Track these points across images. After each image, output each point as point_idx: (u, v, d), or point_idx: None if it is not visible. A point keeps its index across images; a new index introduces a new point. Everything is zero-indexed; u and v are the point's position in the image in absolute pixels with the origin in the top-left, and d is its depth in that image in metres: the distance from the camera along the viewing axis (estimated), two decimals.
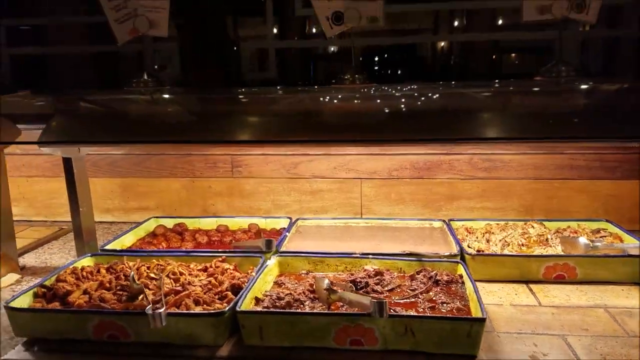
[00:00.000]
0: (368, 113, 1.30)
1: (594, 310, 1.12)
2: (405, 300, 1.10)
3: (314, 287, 1.12)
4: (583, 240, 1.34)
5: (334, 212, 1.93)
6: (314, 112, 1.31)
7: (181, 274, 1.19)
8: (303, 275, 1.28)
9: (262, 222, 1.71)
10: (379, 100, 1.33)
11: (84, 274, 1.20)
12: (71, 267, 1.24)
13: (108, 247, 1.42)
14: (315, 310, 1.01)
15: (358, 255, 1.30)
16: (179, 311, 1.00)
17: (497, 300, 1.18)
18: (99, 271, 1.23)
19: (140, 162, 2.04)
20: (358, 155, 1.89)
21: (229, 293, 1.10)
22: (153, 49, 1.88)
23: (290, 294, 1.10)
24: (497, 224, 1.58)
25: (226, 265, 1.26)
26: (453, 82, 1.55)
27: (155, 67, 1.78)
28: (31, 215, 2.10)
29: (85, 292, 1.11)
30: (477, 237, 1.49)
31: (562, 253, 1.31)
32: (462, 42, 2.18)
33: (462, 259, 1.29)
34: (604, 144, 1.74)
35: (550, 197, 1.79)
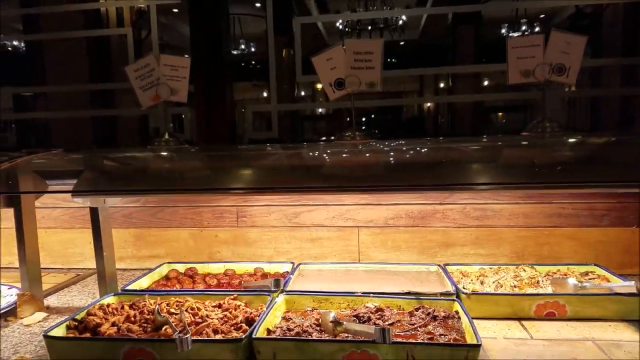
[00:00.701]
0: (365, 165, 1.45)
1: (583, 343, 1.21)
2: (406, 332, 1.19)
3: (320, 321, 1.21)
4: (572, 280, 1.45)
5: (333, 258, 2.03)
6: (314, 165, 1.46)
7: (199, 309, 1.29)
8: (308, 312, 1.37)
9: (266, 267, 1.81)
10: (373, 154, 1.50)
11: (110, 309, 1.30)
12: (98, 304, 1.34)
13: (128, 287, 1.52)
14: (324, 337, 1.10)
15: (360, 294, 1.40)
16: (203, 338, 1.09)
17: (491, 334, 1.27)
18: (122, 307, 1.33)
19: (153, 214, 2.17)
20: (355, 205, 2.02)
21: (244, 325, 1.19)
22: (170, 113, 2.08)
23: (299, 326, 1.19)
24: (491, 268, 1.68)
25: (238, 302, 1.36)
26: (442, 138, 1.73)
27: (172, 127, 1.96)
28: (49, 263, 2.20)
29: (113, 324, 1.20)
30: (471, 280, 1.59)
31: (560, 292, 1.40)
32: (455, 102, 2.39)
33: (458, 298, 1.38)
34: (592, 191, 1.88)
35: (541, 244, 1.90)
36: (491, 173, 1.33)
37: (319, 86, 1.49)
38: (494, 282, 1.54)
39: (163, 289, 1.57)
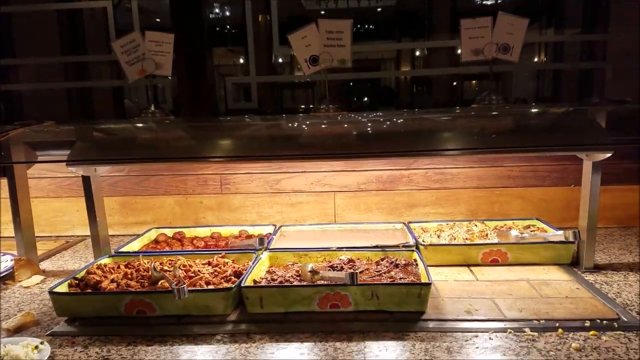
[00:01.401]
0: (338, 135, 1.62)
1: (519, 282, 1.45)
2: (373, 277, 1.39)
3: (300, 272, 1.40)
4: (514, 232, 1.68)
5: (312, 220, 2.22)
6: (292, 135, 1.61)
7: (190, 266, 1.45)
8: (289, 265, 1.56)
9: (250, 229, 1.97)
10: (346, 125, 1.66)
11: (108, 269, 1.45)
12: (96, 264, 1.49)
13: (122, 250, 1.66)
14: (303, 283, 1.30)
15: (334, 249, 1.59)
16: (198, 288, 1.26)
17: (443, 278, 1.49)
18: (119, 267, 1.48)
19: (138, 182, 2.29)
20: (332, 172, 2.20)
21: (232, 277, 1.37)
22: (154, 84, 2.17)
23: (282, 276, 1.38)
24: (447, 224, 1.90)
25: (226, 260, 1.53)
26: (415, 110, 1.89)
27: (157, 100, 2.06)
28: (38, 231, 2.28)
29: (112, 281, 1.35)
30: (430, 234, 1.81)
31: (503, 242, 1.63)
32: (430, 75, 2.52)
33: (417, 249, 1.60)
34: (535, 155, 2.11)
35: (492, 202, 2.14)
36: (450, 140, 1.51)
37: None
38: (448, 235, 1.76)
39: (155, 250, 1.72)
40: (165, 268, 1.45)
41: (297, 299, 1.24)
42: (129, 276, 1.40)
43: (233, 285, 1.27)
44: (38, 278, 1.70)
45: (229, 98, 2.47)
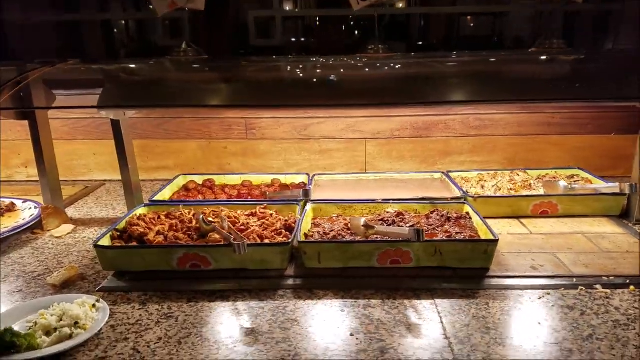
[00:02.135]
0: (375, 80, 1.49)
1: (574, 236, 1.41)
2: (426, 232, 1.34)
3: (350, 225, 1.34)
4: (563, 183, 1.63)
5: (341, 169, 2.15)
6: (324, 80, 1.48)
7: (236, 217, 1.39)
8: (334, 218, 1.50)
9: (282, 178, 1.90)
10: (387, 68, 1.53)
11: (148, 219, 1.38)
12: (135, 214, 1.42)
13: (155, 199, 1.59)
14: (364, 239, 1.24)
15: (380, 201, 1.53)
16: (256, 242, 1.21)
17: (496, 231, 1.44)
18: (159, 217, 1.41)
19: (158, 125, 2.17)
20: (363, 118, 2.10)
21: (283, 231, 1.32)
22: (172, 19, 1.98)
23: (333, 230, 1.33)
24: (488, 173, 1.84)
25: (269, 211, 1.47)
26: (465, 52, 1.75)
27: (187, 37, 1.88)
28: None
29: (158, 233, 1.29)
30: (472, 185, 1.75)
31: (552, 193, 1.58)
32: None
33: (466, 201, 1.54)
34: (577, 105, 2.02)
35: (529, 151, 2.07)
36: (492, 89, 1.41)
37: None
38: (493, 186, 1.70)
39: (193, 199, 1.65)
40: (210, 219, 1.38)
41: (356, 254, 1.19)
42: (175, 228, 1.33)
43: (290, 240, 1.22)
44: (68, 227, 1.63)
45: (264, 35, 2.27)
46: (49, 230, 1.62)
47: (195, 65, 1.45)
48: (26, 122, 1.62)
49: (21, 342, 0.90)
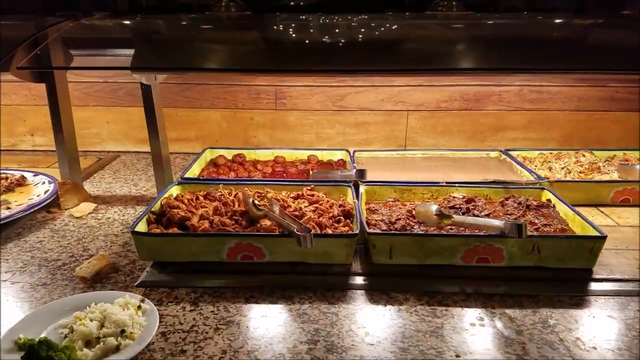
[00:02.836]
0: (423, 41, 1.29)
1: None
2: None
3: (416, 212, 1.17)
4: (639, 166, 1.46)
5: (377, 144, 1.95)
6: (369, 42, 1.27)
7: (284, 200, 1.21)
8: (390, 202, 1.33)
9: (319, 154, 1.71)
10: (438, 28, 1.32)
11: (187, 200, 1.20)
12: (171, 194, 1.24)
13: (187, 176, 1.41)
14: (444, 232, 1.07)
15: (444, 184, 1.36)
16: (316, 232, 1.03)
17: None
18: (197, 198, 1.23)
19: (180, 92, 1.96)
20: (406, 87, 1.89)
21: (342, 218, 1.14)
22: None
23: (399, 219, 1.16)
24: (551, 153, 1.67)
25: (318, 193, 1.29)
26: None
27: None
28: None
29: (202, 217, 1.12)
30: (536, 166, 1.58)
31: (629, 179, 1.42)
32: None
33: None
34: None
35: (589, 129, 1.89)
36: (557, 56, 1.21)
37: None
38: (562, 168, 1.53)
39: (234, 178, 1.47)
40: (256, 202, 1.21)
41: (437, 250, 1.03)
42: (219, 212, 1.16)
43: (356, 232, 1.04)
44: (89, 206, 1.45)
45: None
46: (67, 209, 1.44)
47: (240, 22, 1.23)
48: (35, 85, 1.41)
49: (60, 358, 0.74)
